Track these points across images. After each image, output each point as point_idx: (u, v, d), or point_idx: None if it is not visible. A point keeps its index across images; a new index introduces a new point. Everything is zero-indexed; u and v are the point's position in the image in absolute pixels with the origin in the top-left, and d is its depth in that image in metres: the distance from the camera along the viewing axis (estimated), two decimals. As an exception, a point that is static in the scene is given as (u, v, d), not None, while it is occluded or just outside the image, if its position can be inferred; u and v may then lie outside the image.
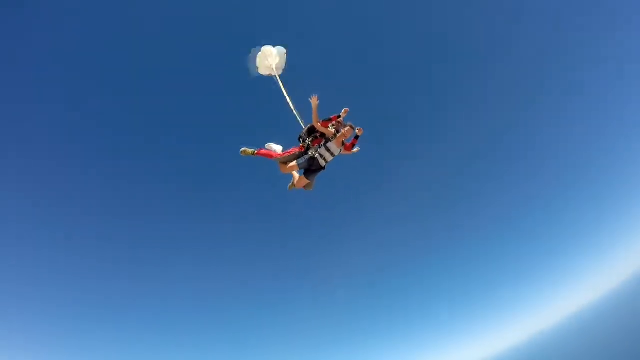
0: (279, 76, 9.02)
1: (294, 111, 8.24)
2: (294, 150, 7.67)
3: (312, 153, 7.42)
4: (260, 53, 9.15)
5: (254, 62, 9.29)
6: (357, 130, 7.53)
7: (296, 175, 7.69)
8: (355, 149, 7.76)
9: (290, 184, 7.79)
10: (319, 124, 7.32)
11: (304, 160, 7.51)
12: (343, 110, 7.51)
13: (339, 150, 7.45)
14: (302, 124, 8.05)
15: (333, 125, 7.48)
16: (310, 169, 7.47)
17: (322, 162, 7.41)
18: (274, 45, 9.33)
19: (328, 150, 7.35)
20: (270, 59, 9.18)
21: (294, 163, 7.56)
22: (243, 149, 7.63)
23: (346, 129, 7.29)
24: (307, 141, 7.59)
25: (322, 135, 7.46)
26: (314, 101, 7.07)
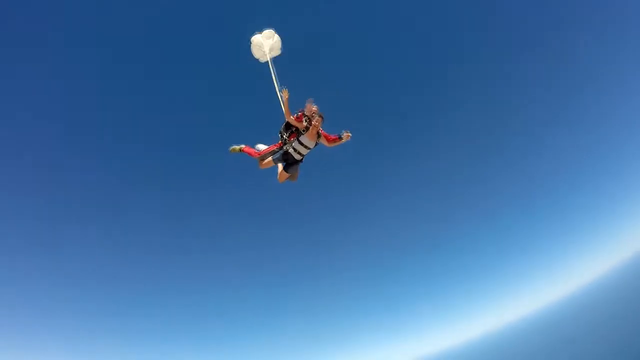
0: (271, 60, 8.70)
1: (281, 101, 8.05)
2: (273, 147, 7.94)
3: (286, 148, 7.69)
4: (252, 44, 8.94)
5: (251, 51, 9.05)
6: (344, 136, 7.55)
7: (279, 169, 7.91)
8: (343, 139, 7.64)
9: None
10: (291, 118, 7.42)
11: (279, 155, 7.78)
12: (307, 106, 7.56)
13: (314, 143, 7.55)
14: None
15: (306, 118, 7.55)
16: (288, 162, 7.72)
17: (297, 156, 7.61)
18: (262, 31, 8.97)
19: (301, 143, 7.48)
20: (264, 46, 8.90)
21: (269, 159, 7.84)
22: (232, 146, 8.07)
23: (316, 119, 7.32)
24: (284, 136, 7.83)
25: (297, 129, 7.59)
26: (284, 95, 7.12)
